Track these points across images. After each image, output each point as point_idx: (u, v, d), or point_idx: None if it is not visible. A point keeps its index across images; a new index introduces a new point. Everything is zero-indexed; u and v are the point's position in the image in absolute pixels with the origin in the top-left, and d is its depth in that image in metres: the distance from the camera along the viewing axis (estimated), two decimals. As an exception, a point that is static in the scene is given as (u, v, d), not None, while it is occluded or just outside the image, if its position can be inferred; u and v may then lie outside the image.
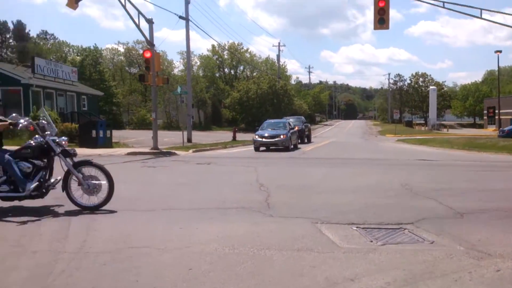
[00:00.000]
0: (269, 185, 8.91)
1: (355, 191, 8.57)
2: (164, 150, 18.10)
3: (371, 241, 5.08)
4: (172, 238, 5.15)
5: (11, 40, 76.99)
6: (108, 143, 19.88)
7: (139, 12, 19.38)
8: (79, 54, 64.01)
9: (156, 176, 11.21)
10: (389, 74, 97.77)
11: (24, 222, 5.80)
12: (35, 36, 78.15)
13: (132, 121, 52.33)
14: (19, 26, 76.52)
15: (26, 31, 77.18)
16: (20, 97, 25.51)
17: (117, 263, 4.31)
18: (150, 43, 20.17)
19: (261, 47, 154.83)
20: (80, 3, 17.73)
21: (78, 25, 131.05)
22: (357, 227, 5.66)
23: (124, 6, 18.62)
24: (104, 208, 6.57)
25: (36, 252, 4.59)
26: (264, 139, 21.18)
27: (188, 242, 4.98)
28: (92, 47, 61.94)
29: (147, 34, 19.97)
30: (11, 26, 76.30)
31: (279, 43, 64.21)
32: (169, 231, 5.45)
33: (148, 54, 19.77)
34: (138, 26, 19.34)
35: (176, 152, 18.26)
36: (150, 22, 20.14)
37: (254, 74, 69.24)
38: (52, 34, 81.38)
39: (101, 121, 21.33)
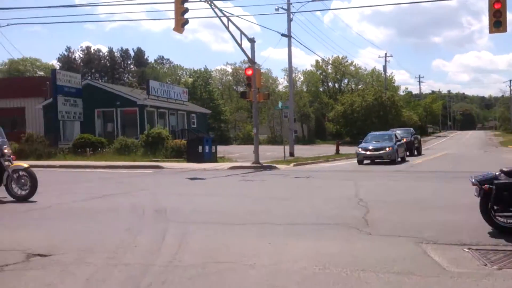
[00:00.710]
0: (369, 200, 8.34)
1: (469, 209, 7.63)
2: (265, 164, 18.18)
3: (485, 265, 4.40)
4: (261, 254, 4.95)
5: (132, 66, 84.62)
6: (213, 158, 20.56)
7: (242, 33, 19.96)
8: (191, 76, 68.15)
9: (252, 189, 11.20)
10: (510, 81, 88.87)
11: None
12: (152, 61, 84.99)
13: (239, 137, 54.06)
14: (139, 53, 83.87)
15: (145, 57, 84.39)
16: (136, 117, 27.65)
17: (203, 278, 4.22)
18: (251, 61, 20.61)
19: (367, 59, 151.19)
20: (192, 29, 19.18)
21: (191, 50, 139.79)
22: (469, 249, 4.97)
23: (227, 28, 19.32)
24: (197, 220, 6.63)
25: (128, 265, 4.68)
26: (368, 152, 20.29)
27: (277, 259, 4.73)
28: (202, 69, 65.55)
29: (249, 53, 20.45)
30: (132, 53, 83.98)
31: (385, 54, 61.86)
32: (258, 247, 5.25)
33: (249, 72, 20.18)
34: (240, 45, 19.92)
35: (277, 166, 18.24)
36: (251, 41, 20.61)
37: (359, 86, 67.52)
38: (168, 59, 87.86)
39: (207, 137, 22.16)
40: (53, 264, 4.71)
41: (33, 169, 8.76)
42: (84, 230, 6.25)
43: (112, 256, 5.04)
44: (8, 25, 23.90)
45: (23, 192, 8.67)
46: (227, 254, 4.99)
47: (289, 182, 12.80)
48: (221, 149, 25.19)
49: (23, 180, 8.66)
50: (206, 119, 41.00)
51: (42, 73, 67.60)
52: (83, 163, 18.21)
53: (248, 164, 18.30)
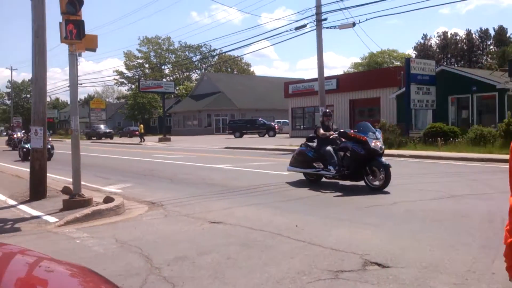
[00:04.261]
0: None
1: None
2: None
3: None
4: None
5: (491, 47, 77.05)
6: None
7: None
8: None
9: None
10: None
11: None
12: (516, 38, 74.92)
13: None
14: (500, 31, 75.46)
15: (507, 35, 75.21)
16: (494, 103, 24.55)
17: None
18: None
19: None
20: None
21: None
22: None
23: None
24: None
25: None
26: None
27: None
28: None
29: None
30: (492, 32, 76.43)
31: None
32: None
33: None
34: None
35: None
36: None
37: None
38: (538, 33, 75.64)
39: None
40: (390, 280, 4.14)
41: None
42: (429, 239, 5.45)
43: (460, 282, 4.07)
44: (366, 20, 25.31)
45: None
46: None
47: None
48: None
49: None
50: None
51: (398, 63, 70.07)
52: (433, 153, 17.33)
53: None
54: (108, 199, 8.38)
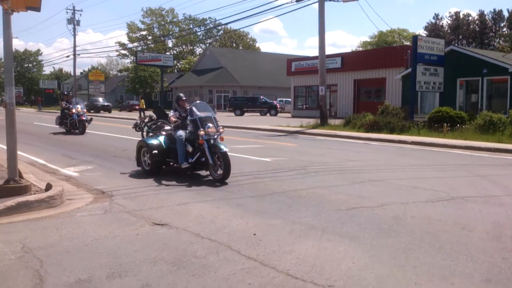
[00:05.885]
0: None
1: None
2: None
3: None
4: None
5: (504, 29, 74.42)
6: None
7: None
8: None
9: None
10: None
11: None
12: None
13: None
14: (515, 13, 72.69)
15: (521, 16, 72.53)
16: (506, 87, 22.94)
17: None
18: None
19: None
20: None
21: None
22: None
23: None
24: None
25: None
26: None
27: None
28: None
29: None
30: (506, 14, 73.69)
31: None
32: None
33: None
34: None
35: None
36: None
37: None
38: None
39: None
40: None
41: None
42: (416, 263, 4.16)
43: None
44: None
45: None
46: None
47: None
48: None
49: None
50: None
51: (408, 43, 67.76)
52: (438, 140, 15.91)
53: None
54: (49, 186, 7.16)
